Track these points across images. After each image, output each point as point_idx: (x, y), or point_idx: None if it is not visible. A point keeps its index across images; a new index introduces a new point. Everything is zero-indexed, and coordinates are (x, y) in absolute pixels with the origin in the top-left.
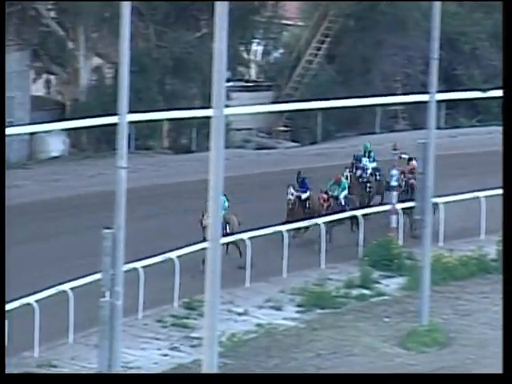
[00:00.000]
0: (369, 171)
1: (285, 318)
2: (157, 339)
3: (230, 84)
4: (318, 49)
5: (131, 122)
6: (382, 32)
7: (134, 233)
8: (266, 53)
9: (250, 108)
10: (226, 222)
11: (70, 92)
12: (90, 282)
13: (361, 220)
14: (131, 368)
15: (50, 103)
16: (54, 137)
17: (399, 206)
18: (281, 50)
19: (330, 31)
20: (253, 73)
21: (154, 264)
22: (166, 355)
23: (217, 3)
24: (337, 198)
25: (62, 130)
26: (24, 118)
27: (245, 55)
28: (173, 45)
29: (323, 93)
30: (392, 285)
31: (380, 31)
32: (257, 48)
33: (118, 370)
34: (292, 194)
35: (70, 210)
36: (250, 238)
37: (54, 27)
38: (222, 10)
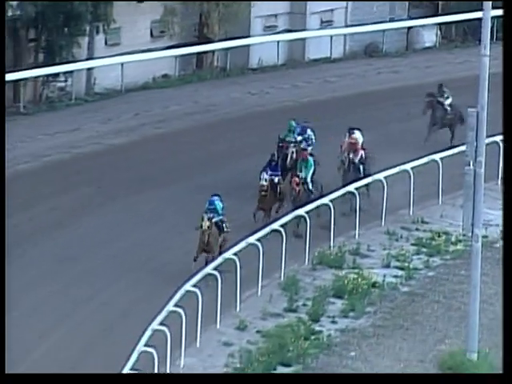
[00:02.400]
0: (313, 141)
1: None
2: None
3: None
4: None
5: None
6: None
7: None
8: None
9: None
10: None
11: None
12: (457, 153)
13: None
14: (491, 225)
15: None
16: (427, 30)
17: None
18: None
19: None
20: None
21: None
22: None
23: None
24: (305, 180)
25: (435, 24)
26: (403, 15)
27: None
28: None
29: None
30: None
31: None
32: None
33: (480, 227)
34: (266, 180)
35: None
36: None
37: None
38: None
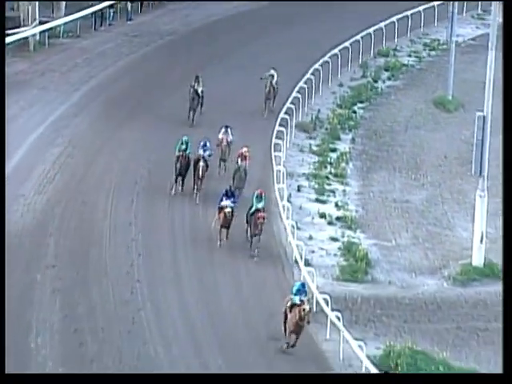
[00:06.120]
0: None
1: None
2: None
3: None
4: None
5: None
6: None
7: None
8: None
9: None
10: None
11: None
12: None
13: None
14: (461, 35)
15: None
16: None
17: None
18: None
19: None
20: None
21: None
22: None
23: None
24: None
25: None
26: None
27: None
28: None
29: None
30: None
31: None
32: None
33: (454, 36)
34: (229, 206)
35: None
36: None
37: None
38: None
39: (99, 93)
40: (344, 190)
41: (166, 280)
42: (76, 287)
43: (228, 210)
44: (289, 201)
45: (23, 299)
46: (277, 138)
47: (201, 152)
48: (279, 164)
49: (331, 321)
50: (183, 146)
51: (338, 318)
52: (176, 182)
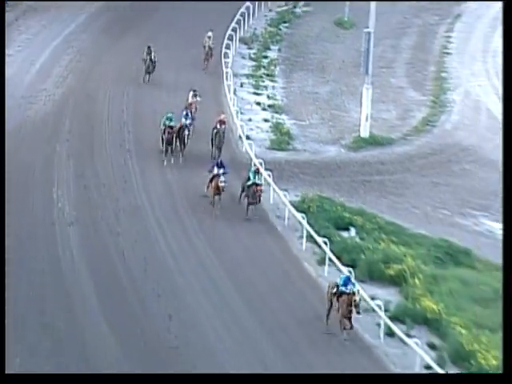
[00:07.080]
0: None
1: None
2: None
3: None
4: None
5: None
6: None
7: None
8: None
9: None
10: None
11: None
12: None
13: None
14: None
15: None
16: None
17: None
18: None
19: None
20: None
21: None
22: None
23: None
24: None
25: None
26: None
27: None
28: None
29: None
30: None
31: None
32: None
33: None
34: (223, 176)
35: None
36: None
37: None
38: None
39: (100, 15)
40: (273, 86)
41: (150, 151)
42: (84, 155)
43: (222, 184)
44: (234, 93)
45: (47, 163)
46: (226, 48)
47: (183, 120)
48: (227, 67)
49: (265, 178)
50: (168, 121)
51: (269, 175)
52: (166, 151)
